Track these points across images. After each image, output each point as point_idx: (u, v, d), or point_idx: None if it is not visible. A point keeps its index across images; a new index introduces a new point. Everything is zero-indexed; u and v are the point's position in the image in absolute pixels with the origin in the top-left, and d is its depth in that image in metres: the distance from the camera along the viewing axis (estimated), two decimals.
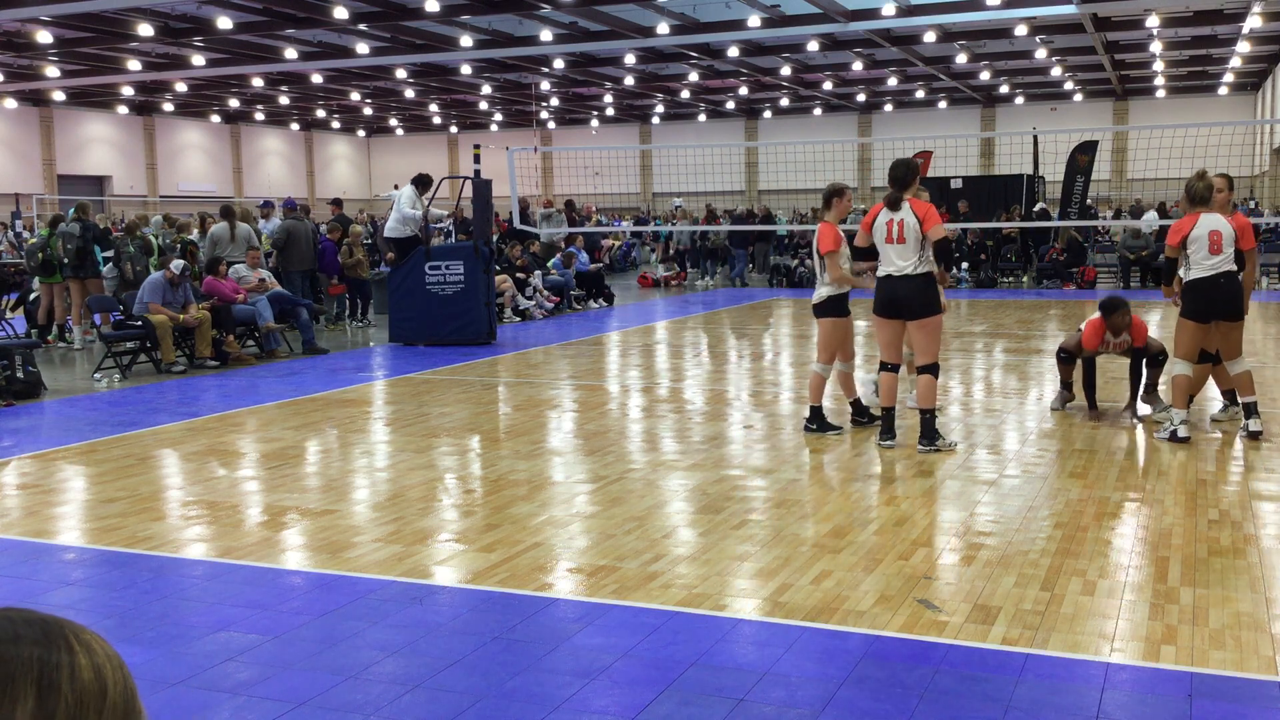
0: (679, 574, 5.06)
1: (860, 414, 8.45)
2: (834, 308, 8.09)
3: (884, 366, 7.81)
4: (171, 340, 12.12)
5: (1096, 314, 8.67)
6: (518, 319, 17.42)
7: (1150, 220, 22.68)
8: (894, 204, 7.50)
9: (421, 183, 14.65)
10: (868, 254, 7.85)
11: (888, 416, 7.78)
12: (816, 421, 8.23)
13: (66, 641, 0.87)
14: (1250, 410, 7.84)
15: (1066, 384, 8.99)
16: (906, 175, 7.57)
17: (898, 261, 7.49)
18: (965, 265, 22.70)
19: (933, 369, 7.63)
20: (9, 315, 15.87)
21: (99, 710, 0.85)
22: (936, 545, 5.46)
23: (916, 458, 7.44)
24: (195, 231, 16.47)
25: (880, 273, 7.65)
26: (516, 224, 17.76)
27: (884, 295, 7.61)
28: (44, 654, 0.85)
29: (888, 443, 7.71)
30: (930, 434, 7.57)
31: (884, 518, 6.03)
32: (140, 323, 12.20)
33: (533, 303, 18.10)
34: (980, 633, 4.30)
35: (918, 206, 7.46)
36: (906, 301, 7.50)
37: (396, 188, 14.93)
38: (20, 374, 10.39)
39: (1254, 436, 7.76)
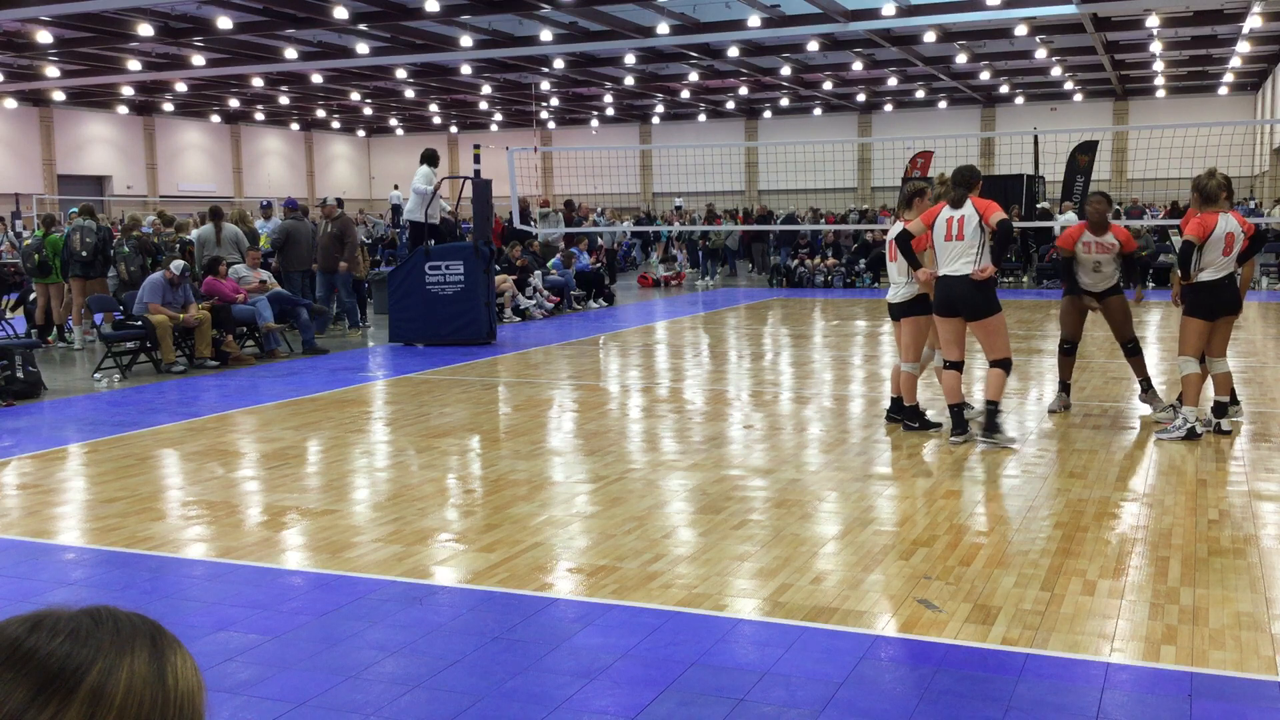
0: (679, 574, 5.06)
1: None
2: (920, 306, 8.16)
3: (947, 364, 7.88)
4: (171, 340, 12.12)
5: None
6: (518, 319, 17.42)
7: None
8: (958, 203, 7.65)
9: (431, 159, 15.02)
10: (907, 245, 7.83)
11: (957, 413, 7.82)
12: (918, 420, 8.25)
13: (110, 648, 0.86)
14: (1221, 409, 8.01)
15: (1065, 384, 8.99)
16: (971, 177, 7.73)
17: (954, 259, 7.60)
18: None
19: (1004, 364, 7.72)
20: (9, 315, 15.87)
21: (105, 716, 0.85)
22: (936, 545, 5.46)
23: (917, 457, 7.45)
24: (194, 231, 16.48)
25: (939, 273, 7.75)
26: (516, 224, 17.76)
27: (942, 294, 7.74)
28: (71, 651, 0.84)
29: (959, 439, 7.76)
30: (993, 425, 7.65)
31: (884, 518, 6.03)
32: (140, 323, 12.21)
33: (533, 303, 18.10)
34: (980, 633, 4.30)
35: (978, 202, 7.64)
36: (964, 302, 7.63)
37: (396, 188, 15.05)
38: (20, 374, 10.39)
39: (1221, 432, 7.92)
